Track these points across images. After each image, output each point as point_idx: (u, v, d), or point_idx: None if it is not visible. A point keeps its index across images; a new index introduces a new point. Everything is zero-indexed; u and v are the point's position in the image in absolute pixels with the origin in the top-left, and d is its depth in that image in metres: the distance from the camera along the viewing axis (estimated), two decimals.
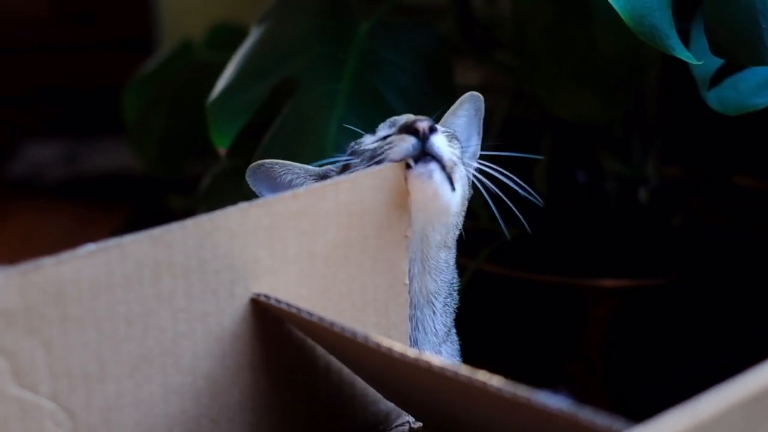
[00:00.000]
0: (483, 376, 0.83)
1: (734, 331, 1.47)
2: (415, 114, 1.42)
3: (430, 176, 1.07)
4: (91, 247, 0.92)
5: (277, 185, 1.16)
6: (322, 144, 1.40)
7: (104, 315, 0.94)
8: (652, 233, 1.57)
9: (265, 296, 1.02)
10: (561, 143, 1.67)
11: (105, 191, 2.32)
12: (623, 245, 1.55)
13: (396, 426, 1.16)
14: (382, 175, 1.09)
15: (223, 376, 1.03)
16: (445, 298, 1.18)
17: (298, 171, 1.17)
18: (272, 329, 1.05)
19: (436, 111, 1.45)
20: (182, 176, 1.84)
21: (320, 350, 1.08)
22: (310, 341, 1.07)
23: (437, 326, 1.17)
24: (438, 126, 1.10)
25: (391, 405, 1.14)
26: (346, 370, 1.10)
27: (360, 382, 1.11)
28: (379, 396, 1.13)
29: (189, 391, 1.02)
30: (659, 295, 1.50)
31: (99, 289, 0.93)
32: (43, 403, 0.93)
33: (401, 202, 1.10)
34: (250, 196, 1.14)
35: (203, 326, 1.01)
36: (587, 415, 0.75)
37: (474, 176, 1.13)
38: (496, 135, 1.65)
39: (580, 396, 1.32)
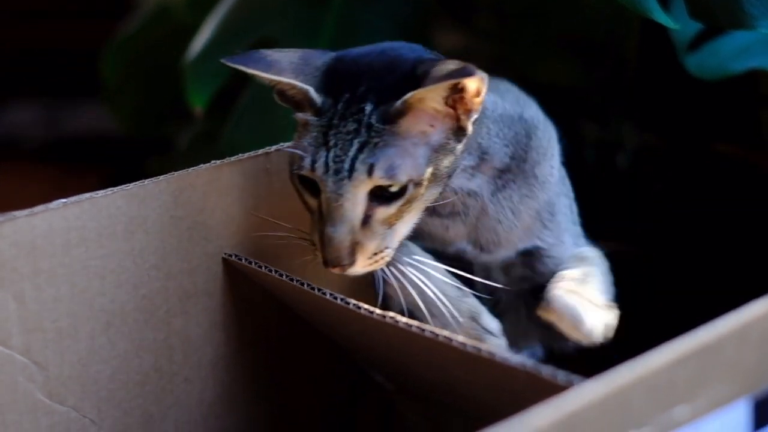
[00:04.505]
0: (448, 333, 0.83)
1: (708, 300, 1.48)
2: None
3: None
4: (63, 201, 0.92)
5: None
6: None
7: (77, 269, 0.94)
8: (629, 200, 1.57)
9: (236, 256, 1.02)
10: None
11: (85, 154, 2.31)
12: (601, 211, 1.55)
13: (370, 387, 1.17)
14: None
15: (195, 334, 1.04)
16: None
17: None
18: (244, 289, 1.05)
19: None
20: (162, 138, 1.84)
21: (293, 311, 1.08)
22: (281, 301, 1.07)
23: None
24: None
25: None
26: (319, 331, 1.11)
27: (334, 343, 1.12)
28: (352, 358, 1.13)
29: (161, 349, 1.02)
30: (636, 261, 1.50)
31: (71, 242, 0.93)
32: (15, 357, 0.93)
33: None
34: (226, 155, 1.14)
35: (176, 283, 1.01)
36: (548, 371, 0.77)
37: None
38: None
39: (558, 360, 1.33)
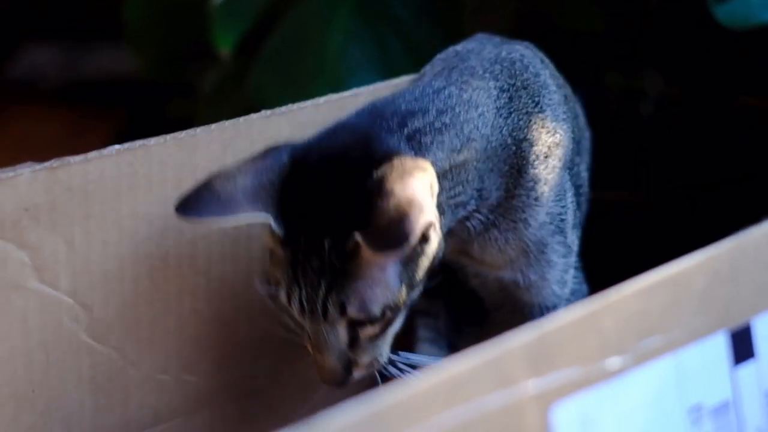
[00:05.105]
0: None
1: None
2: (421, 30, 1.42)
3: None
4: (116, 147, 0.93)
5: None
6: (322, 53, 1.39)
7: (126, 214, 0.96)
8: (651, 148, 1.58)
9: None
10: (564, 58, 1.67)
11: (103, 96, 2.30)
12: (622, 159, 1.56)
13: None
14: None
15: (236, 279, 1.05)
16: None
17: None
18: None
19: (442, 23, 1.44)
20: (182, 81, 1.84)
21: None
22: None
23: None
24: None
25: None
26: None
27: None
28: None
29: (202, 293, 1.04)
30: (650, 211, 1.51)
31: (122, 188, 0.95)
32: (62, 298, 0.95)
33: None
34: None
35: (220, 230, 1.02)
36: None
37: None
38: None
39: None
